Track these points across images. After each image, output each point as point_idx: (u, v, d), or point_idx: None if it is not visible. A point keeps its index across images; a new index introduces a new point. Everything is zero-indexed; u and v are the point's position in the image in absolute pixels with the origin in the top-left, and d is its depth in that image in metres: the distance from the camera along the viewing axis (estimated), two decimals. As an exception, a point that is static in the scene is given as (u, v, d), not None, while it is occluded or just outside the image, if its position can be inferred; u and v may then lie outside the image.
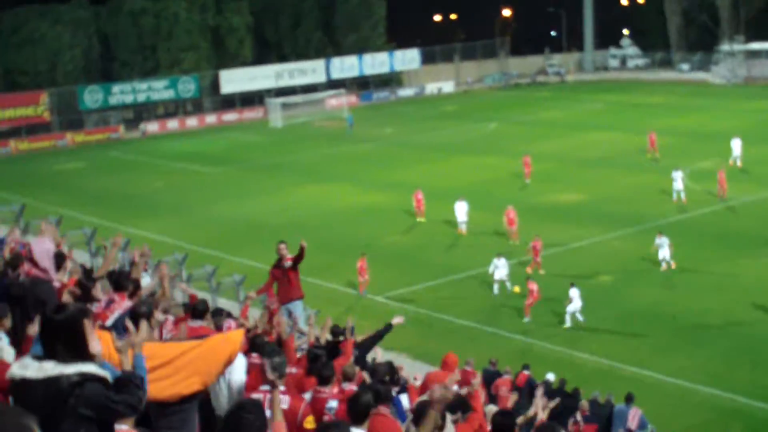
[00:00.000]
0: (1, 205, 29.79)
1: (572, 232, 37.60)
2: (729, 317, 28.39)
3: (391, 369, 10.82)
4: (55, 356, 5.09)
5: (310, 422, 7.80)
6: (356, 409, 7.58)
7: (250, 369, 8.91)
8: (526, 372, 21.83)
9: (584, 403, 18.56)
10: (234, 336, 7.46)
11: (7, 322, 7.65)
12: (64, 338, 5.10)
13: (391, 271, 33.97)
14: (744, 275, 31.82)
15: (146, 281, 23.15)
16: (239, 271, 30.55)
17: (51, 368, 5.02)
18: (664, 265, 32.50)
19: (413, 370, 22.21)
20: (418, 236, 39.14)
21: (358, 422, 7.49)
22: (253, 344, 10.38)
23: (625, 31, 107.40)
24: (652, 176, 46.78)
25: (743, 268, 32.55)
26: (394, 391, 10.19)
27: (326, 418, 8.51)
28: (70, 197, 51.21)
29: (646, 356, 26.11)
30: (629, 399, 18.84)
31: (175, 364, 6.50)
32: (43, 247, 9.48)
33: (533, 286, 29.24)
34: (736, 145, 48.28)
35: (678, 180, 41.41)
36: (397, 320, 13.69)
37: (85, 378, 5.03)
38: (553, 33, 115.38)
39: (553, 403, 11.47)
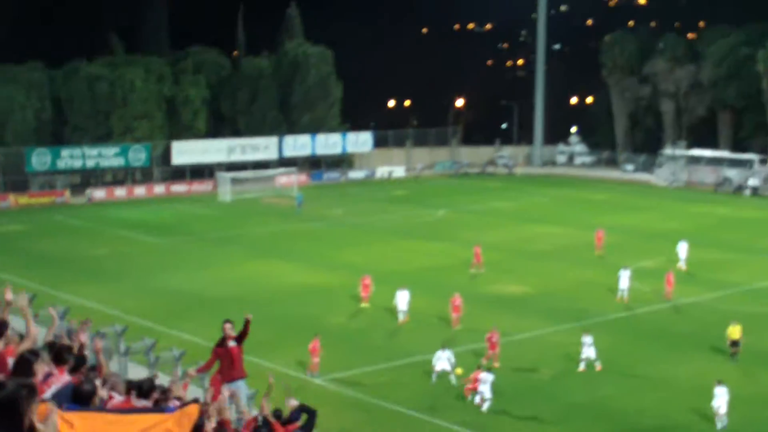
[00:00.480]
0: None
1: (516, 324, 37.81)
2: (664, 419, 28.65)
3: None
4: None
5: None
6: None
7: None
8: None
9: None
10: (191, 410, 7.36)
11: None
12: (2, 418, 4.99)
13: (333, 352, 33.74)
14: (680, 376, 32.22)
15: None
16: (179, 345, 30.09)
17: None
18: (582, 366, 32.56)
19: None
20: (362, 319, 39.06)
21: None
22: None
23: (574, 129, 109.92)
24: (598, 272, 47.43)
25: (681, 369, 32.98)
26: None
27: None
28: (9, 260, 50.37)
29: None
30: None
31: None
32: None
33: (478, 376, 29.30)
34: (683, 249, 49.15)
35: (624, 278, 42.03)
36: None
37: None
38: (504, 125, 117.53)
39: None
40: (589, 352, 32.58)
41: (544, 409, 29.39)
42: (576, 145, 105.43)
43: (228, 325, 16.60)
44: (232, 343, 16.21)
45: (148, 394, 10.46)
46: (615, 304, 41.44)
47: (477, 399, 29.30)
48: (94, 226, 63.26)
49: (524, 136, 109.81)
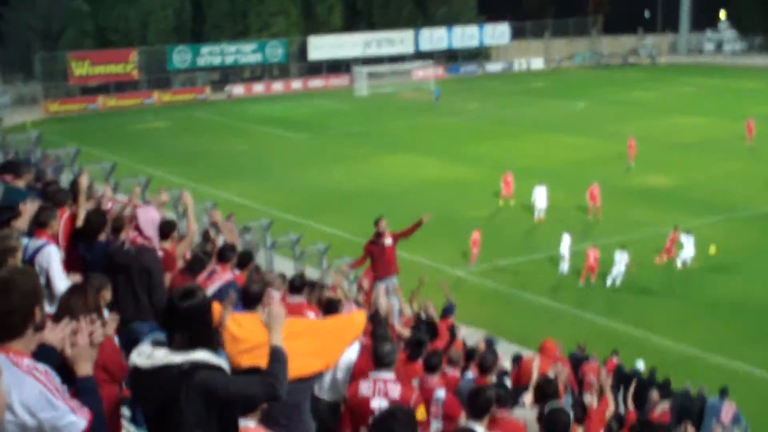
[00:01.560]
0: (91, 162, 29.99)
1: (660, 217, 36.67)
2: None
3: (495, 359, 10.45)
4: (171, 343, 4.89)
5: (421, 413, 7.55)
6: (478, 404, 7.30)
7: (361, 351, 8.72)
8: (614, 359, 21.27)
9: (655, 393, 17.96)
10: (358, 318, 7.26)
11: (108, 294, 7.50)
12: (185, 327, 4.88)
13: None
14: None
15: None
16: (322, 239, 30.45)
17: (161, 357, 4.82)
18: (609, 281, 30.32)
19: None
20: (501, 214, 38.60)
21: (477, 417, 7.22)
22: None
23: (723, 14, 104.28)
24: (747, 164, 45.40)
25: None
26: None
27: (434, 409, 8.25)
28: (154, 155, 51.79)
29: (734, 346, 25.35)
30: (723, 393, 18.14)
31: (298, 342, 6.25)
32: (148, 216, 9.31)
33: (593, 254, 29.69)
34: None
35: None
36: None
37: (197, 366, 4.78)
38: (647, 13, 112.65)
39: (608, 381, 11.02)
40: (619, 268, 30.10)
41: (693, 300, 28.68)
42: (725, 32, 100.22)
43: (382, 222, 16.13)
44: (387, 241, 15.83)
45: (300, 290, 10.36)
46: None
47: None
48: (233, 122, 64.40)
49: (668, 23, 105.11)
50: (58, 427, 4.43)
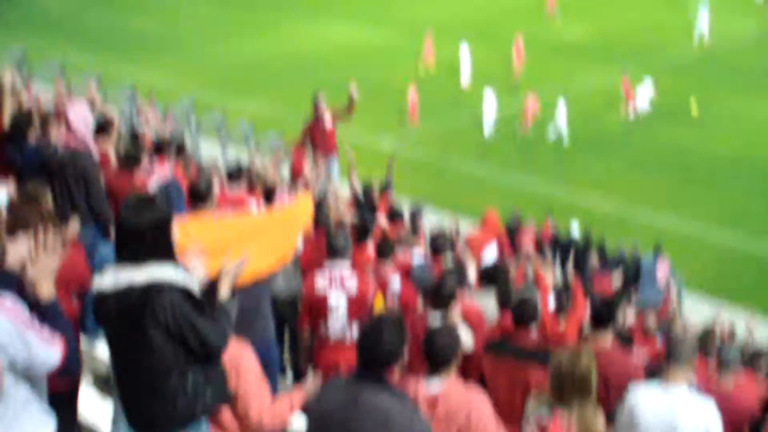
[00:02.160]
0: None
1: (580, 72, 36.72)
2: (743, 154, 28.15)
3: (447, 237, 10.40)
4: (126, 257, 4.57)
5: (379, 303, 7.48)
6: (441, 296, 7.24)
7: (305, 241, 8.56)
8: (549, 225, 21.48)
9: (594, 257, 18.30)
10: (306, 203, 6.96)
11: (48, 201, 7.09)
12: (138, 242, 4.55)
13: (398, 113, 33.41)
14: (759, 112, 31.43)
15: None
16: (245, 116, 29.74)
17: (122, 277, 4.51)
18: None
19: (429, 217, 22.04)
20: (426, 81, 37.85)
21: (441, 306, 7.19)
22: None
23: None
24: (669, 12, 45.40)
25: (757, 105, 32.12)
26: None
27: (389, 300, 8.18)
28: (63, 35, 49.18)
29: (661, 200, 25.97)
30: (657, 251, 18.60)
31: (251, 242, 6.03)
32: (79, 113, 8.81)
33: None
34: None
35: (703, 17, 39.62)
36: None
37: (161, 287, 4.49)
38: None
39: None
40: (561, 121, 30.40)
41: (621, 154, 29.09)
42: None
43: (322, 103, 15.63)
44: (327, 122, 15.44)
45: (239, 179, 10.02)
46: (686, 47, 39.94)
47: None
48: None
49: None
50: (33, 363, 4.20)
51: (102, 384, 7.10)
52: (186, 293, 4.56)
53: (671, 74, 35.65)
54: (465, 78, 36.73)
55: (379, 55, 41.70)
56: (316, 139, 15.55)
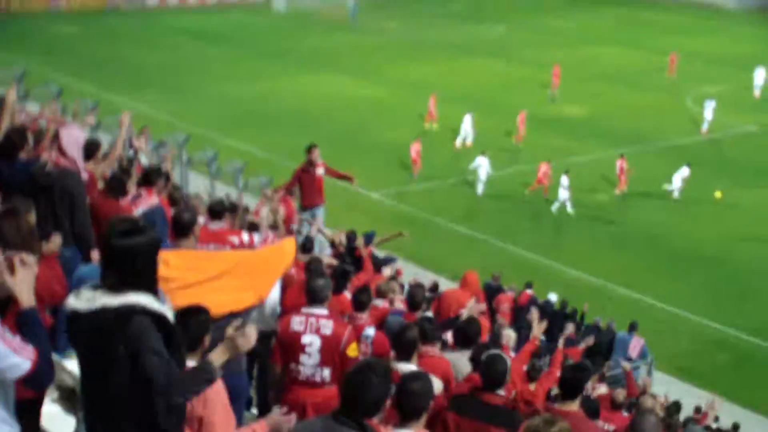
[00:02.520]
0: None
1: (573, 146, 37.20)
2: (724, 248, 28.41)
3: (424, 294, 10.44)
4: (105, 281, 4.54)
5: (353, 350, 7.46)
6: (402, 345, 7.25)
7: (288, 284, 8.59)
8: (529, 291, 21.64)
9: (570, 327, 18.34)
10: (288, 246, 7.10)
11: (32, 218, 7.16)
12: (123, 265, 4.50)
13: (388, 168, 33.63)
14: (742, 206, 31.74)
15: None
16: (237, 156, 30.02)
17: (98, 301, 4.46)
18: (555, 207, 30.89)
19: (408, 272, 22.14)
20: (425, 138, 38.13)
21: (404, 357, 7.19)
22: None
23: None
24: (666, 96, 46.16)
25: (743, 198, 32.44)
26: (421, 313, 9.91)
27: (363, 347, 8.20)
28: (65, 61, 49.91)
29: (639, 279, 26.14)
30: (632, 327, 18.71)
31: (229, 277, 6.08)
32: (72, 136, 8.88)
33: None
34: (759, 75, 47.36)
35: (709, 109, 40.46)
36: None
37: (133, 310, 4.43)
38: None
39: (542, 326, 11.15)
40: (564, 193, 30.64)
41: (603, 232, 29.36)
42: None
43: (316, 151, 15.81)
44: (319, 170, 15.61)
45: (221, 215, 10.04)
46: (686, 129, 40.51)
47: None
48: (147, 33, 62.43)
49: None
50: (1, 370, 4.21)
51: (66, 397, 7.09)
52: (159, 320, 4.50)
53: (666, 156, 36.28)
54: (463, 140, 37.09)
55: (377, 110, 42.16)
56: (305, 184, 15.65)
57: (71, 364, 7.48)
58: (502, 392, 6.64)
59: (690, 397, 17.60)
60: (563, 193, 30.46)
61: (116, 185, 9.86)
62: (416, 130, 38.65)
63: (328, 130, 37.32)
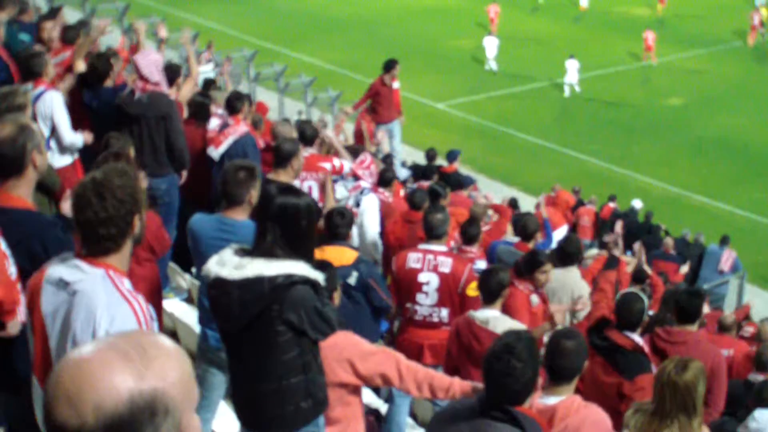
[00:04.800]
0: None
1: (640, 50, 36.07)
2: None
3: (536, 220, 9.81)
4: (261, 249, 4.18)
5: (473, 289, 7.04)
6: (489, 287, 6.49)
7: (388, 213, 8.30)
8: (611, 204, 21.04)
9: (668, 241, 17.69)
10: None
11: (131, 153, 6.87)
12: (285, 229, 4.16)
13: (456, 78, 32.88)
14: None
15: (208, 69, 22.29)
16: (304, 69, 29.43)
17: (251, 268, 4.09)
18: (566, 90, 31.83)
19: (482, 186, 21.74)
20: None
21: (488, 301, 6.52)
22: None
23: None
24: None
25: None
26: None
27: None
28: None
29: (717, 187, 25.41)
30: (724, 241, 18.10)
31: None
32: (149, 59, 8.33)
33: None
34: None
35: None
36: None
37: (293, 281, 4.07)
38: None
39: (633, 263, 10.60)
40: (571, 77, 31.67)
41: (677, 139, 28.54)
42: None
43: (398, 67, 14.91)
44: (396, 85, 14.86)
45: (312, 141, 9.61)
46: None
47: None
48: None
49: None
50: None
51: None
52: (314, 286, 4.16)
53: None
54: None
55: (441, 18, 41.06)
56: (383, 99, 14.82)
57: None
58: (636, 336, 6.03)
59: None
60: (573, 76, 31.30)
61: (201, 111, 9.53)
62: (477, 37, 37.55)
63: (390, 39, 36.40)
